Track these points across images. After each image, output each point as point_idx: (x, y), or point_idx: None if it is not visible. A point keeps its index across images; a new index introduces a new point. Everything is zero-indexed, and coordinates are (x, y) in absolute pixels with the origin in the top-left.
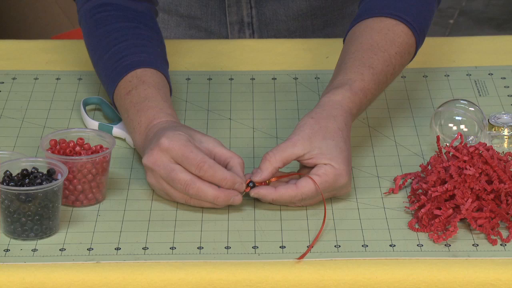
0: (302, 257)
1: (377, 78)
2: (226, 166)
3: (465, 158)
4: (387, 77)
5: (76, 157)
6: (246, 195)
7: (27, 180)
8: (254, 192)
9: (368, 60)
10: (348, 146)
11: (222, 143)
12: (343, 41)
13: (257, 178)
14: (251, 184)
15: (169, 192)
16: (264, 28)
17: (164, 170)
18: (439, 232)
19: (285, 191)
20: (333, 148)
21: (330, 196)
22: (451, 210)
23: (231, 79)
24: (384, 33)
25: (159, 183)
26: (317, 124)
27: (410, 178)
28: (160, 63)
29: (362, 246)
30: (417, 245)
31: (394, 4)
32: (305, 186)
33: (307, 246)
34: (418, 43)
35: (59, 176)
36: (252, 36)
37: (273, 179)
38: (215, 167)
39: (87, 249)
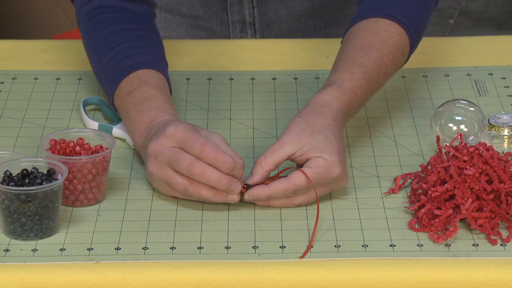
0: (303, 255)
1: (368, 77)
2: None
3: (465, 158)
4: (379, 76)
5: (76, 157)
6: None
7: (27, 180)
8: (248, 194)
9: (359, 60)
10: (339, 139)
11: (225, 140)
12: (341, 42)
13: (248, 181)
14: (247, 186)
15: (170, 179)
16: (266, 28)
17: (168, 153)
18: (439, 232)
19: (278, 185)
20: (323, 142)
21: (327, 190)
22: (451, 210)
23: (231, 79)
24: (377, 33)
25: (161, 171)
26: (305, 122)
27: (410, 178)
28: (160, 64)
29: (362, 246)
30: (417, 245)
31: (390, 5)
32: (296, 177)
33: (308, 246)
34: (413, 43)
35: (59, 176)
36: (254, 36)
37: (268, 182)
38: (217, 149)
39: (87, 249)
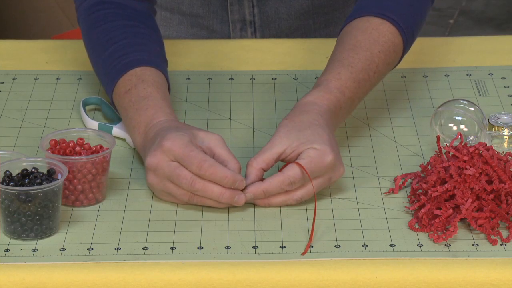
0: (305, 252)
1: (356, 76)
2: None
3: (465, 158)
4: (370, 75)
5: (76, 157)
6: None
7: (27, 180)
8: (245, 192)
9: (348, 60)
10: (327, 132)
11: (223, 141)
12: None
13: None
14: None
15: (172, 191)
16: (266, 27)
17: (168, 168)
18: (439, 232)
19: (272, 179)
20: (311, 135)
21: (324, 181)
22: (451, 210)
23: (231, 79)
24: (368, 32)
25: (162, 183)
26: (291, 122)
27: (410, 178)
28: (159, 61)
29: (362, 246)
30: (417, 245)
31: (383, 3)
32: (290, 169)
33: (308, 242)
34: (406, 42)
35: (59, 176)
36: (254, 34)
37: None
38: (215, 165)
39: (87, 249)
